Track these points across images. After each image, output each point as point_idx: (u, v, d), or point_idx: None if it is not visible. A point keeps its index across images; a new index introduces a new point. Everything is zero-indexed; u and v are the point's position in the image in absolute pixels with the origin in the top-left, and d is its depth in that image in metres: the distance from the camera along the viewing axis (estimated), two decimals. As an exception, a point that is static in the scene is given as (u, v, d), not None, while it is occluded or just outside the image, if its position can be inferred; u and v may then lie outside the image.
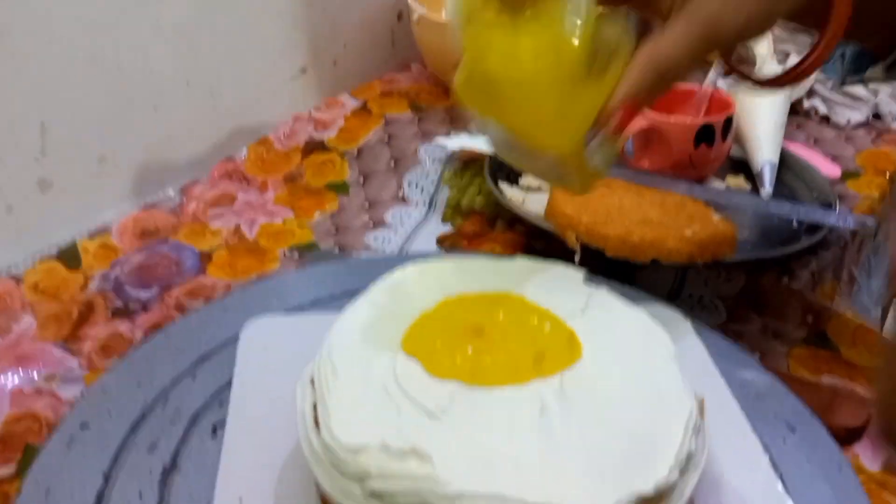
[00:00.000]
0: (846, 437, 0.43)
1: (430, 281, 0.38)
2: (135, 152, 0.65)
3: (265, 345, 0.43)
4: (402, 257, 0.59)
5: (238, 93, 0.73)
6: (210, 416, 0.40)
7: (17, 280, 0.56)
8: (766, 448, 0.39)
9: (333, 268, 0.53)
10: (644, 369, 0.33)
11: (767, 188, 0.65)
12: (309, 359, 0.35)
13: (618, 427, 0.30)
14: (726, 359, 0.45)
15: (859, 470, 0.42)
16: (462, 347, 0.33)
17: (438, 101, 0.86)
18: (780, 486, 0.37)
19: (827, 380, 0.48)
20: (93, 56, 0.59)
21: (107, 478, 0.37)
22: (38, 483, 0.36)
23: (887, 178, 0.71)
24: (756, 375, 0.44)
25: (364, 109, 0.83)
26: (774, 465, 0.38)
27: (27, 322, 0.52)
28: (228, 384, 0.42)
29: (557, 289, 0.37)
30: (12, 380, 0.47)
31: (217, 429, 0.40)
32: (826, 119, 0.81)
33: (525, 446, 0.29)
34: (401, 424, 0.29)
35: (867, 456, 0.43)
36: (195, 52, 0.68)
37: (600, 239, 0.51)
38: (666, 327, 0.37)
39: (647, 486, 0.28)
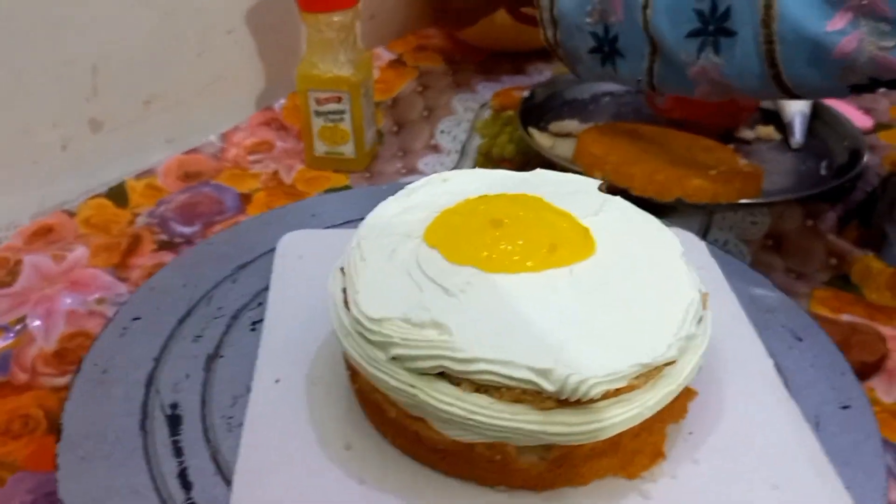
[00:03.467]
0: (862, 372, 0.44)
1: (453, 186, 0.40)
2: (178, 97, 0.67)
3: (300, 254, 0.47)
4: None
5: (277, 43, 0.75)
6: (250, 315, 0.44)
7: (71, 214, 0.59)
8: (773, 355, 0.41)
9: (365, 191, 0.56)
10: (652, 263, 0.35)
11: (798, 138, 0.66)
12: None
13: (623, 307, 0.32)
14: (739, 277, 0.46)
15: (875, 402, 0.43)
16: (480, 238, 0.35)
17: (472, 56, 0.87)
18: (781, 385, 0.39)
19: (846, 318, 0.49)
20: None
21: (157, 361, 0.40)
22: (95, 364, 0.39)
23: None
24: (767, 292, 0.46)
25: (399, 62, 0.84)
26: (780, 370, 0.40)
27: (80, 251, 0.55)
28: (266, 289, 0.45)
29: (573, 193, 0.39)
30: (67, 302, 0.50)
31: (256, 325, 0.43)
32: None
33: (535, 319, 0.31)
34: (422, 301, 0.32)
35: (882, 389, 0.44)
36: (239, 0, 0.70)
37: (627, 178, 0.53)
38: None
39: (646, 358, 0.30)
